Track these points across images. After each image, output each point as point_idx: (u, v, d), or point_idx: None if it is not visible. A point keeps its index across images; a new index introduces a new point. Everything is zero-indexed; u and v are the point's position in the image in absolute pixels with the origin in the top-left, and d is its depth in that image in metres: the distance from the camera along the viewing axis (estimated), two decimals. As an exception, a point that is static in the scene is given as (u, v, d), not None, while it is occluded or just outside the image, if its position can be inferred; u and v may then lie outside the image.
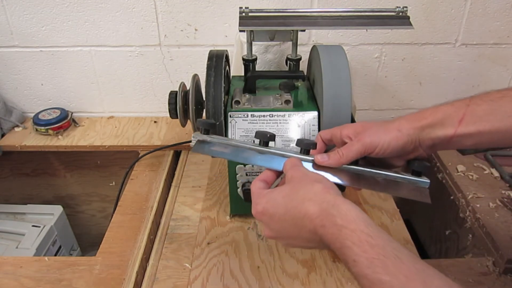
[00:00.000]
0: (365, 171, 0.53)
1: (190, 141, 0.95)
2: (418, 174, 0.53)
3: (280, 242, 0.49)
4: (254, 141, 0.57)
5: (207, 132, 0.58)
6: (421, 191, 0.52)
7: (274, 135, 0.55)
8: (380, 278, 0.35)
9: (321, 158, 0.52)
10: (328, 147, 0.58)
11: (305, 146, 0.53)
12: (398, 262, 0.35)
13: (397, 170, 0.55)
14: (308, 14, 0.71)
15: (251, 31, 0.74)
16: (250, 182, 0.69)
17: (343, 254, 0.39)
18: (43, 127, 1.00)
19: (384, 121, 0.53)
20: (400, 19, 0.69)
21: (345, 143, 0.53)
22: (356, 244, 0.37)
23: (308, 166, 0.53)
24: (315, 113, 0.67)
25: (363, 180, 0.53)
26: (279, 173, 0.53)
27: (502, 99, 0.48)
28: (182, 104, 0.71)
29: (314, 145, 0.54)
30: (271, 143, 0.56)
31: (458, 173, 0.86)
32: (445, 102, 0.51)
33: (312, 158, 0.53)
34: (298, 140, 0.54)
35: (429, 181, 0.53)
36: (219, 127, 0.65)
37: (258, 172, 0.69)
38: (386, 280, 0.34)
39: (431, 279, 0.34)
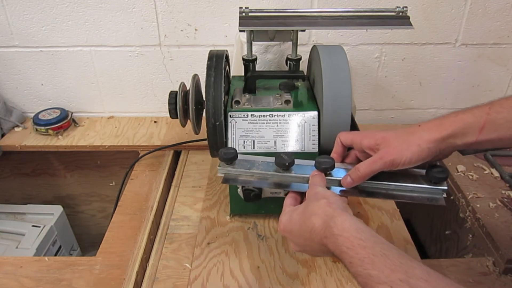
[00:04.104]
0: (383, 185, 0.55)
1: (190, 141, 0.96)
2: (436, 180, 0.54)
3: (306, 254, 0.54)
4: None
5: (230, 162, 0.60)
6: (436, 196, 0.54)
7: (293, 161, 0.57)
8: (370, 273, 0.40)
9: (345, 183, 0.55)
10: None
11: (323, 170, 0.56)
12: (384, 258, 0.40)
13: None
14: (308, 14, 0.71)
15: (251, 31, 0.74)
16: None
17: (342, 258, 0.44)
18: (43, 127, 1.00)
19: (404, 131, 0.53)
20: (400, 19, 0.69)
21: (364, 151, 0.56)
22: (350, 248, 0.43)
23: (336, 190, 0.56)
24: (315, 113, 0.67)
25: (379, 193, 0.55)
26: (304, 193, 0.57)
27: None
28: (182, 104, 0.70)
29: (332, 166, 0.56)
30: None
31: (458, 173, 0.86)
32: (465, 109, 0.51)
33: (337, 179, 0.56)
34: (316, 161, 0.56)
35: (446, 187, 0.54)
36: (219, 127, 0.65)
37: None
38: (374, 274, 0.40)
39: (412, 269, 0.39)
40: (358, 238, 0.43)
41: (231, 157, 0.59)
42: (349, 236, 0.43)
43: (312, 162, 0.57)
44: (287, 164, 0.57)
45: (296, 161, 0.58)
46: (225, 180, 0.60)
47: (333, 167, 0.56)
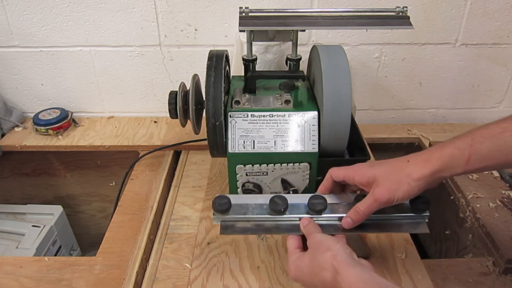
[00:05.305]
0: (373, 217, 0.56)
1: (190, 141, 0.96)
2: (419, 210, 0.57)
3: None
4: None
5: (225, 211, 0.59)
6: (420, 224, 0.58)
7: (287, 206, 0.58)
8: None
9: (346, 224, 0.57)
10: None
11: (317, 213, 0.57)
12: None
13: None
14: (308, 14, 0.71)
15: (251, 31, 0.74)
16: (250, 182, 0.69)
17: None
18: (43, 127, 1.00)
19: (393, 167, 0.55)
20: (400, 19, 0.69)
21: (357, 186, 0.59)
22: None
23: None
24: (315, 113, 0.67)
25: (369, 227, 0.58)
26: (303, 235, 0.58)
27: (503, 134, 0.49)
28: (182, 104, 0.70)
29: (325, 208, 0.57)
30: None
31: (458, 173, 0.86)
32: (448, 141, 0.53)
33: (329, 216, 0.58)
34: (309, 202, 0.58)
35: (428, 214, 0.57)
36: (219, 127, 0.65)
37: (258, 171, 0.69)
38: None
39: None
40: None
41: (225, 208, 0.58)
42: None
43: (306, 200, 0.58)
44: (282, 210, 0.57)
45: (289, 199, 0.58)
46: (224, 229, 0.59)
47: (326, 207, 0.57)
